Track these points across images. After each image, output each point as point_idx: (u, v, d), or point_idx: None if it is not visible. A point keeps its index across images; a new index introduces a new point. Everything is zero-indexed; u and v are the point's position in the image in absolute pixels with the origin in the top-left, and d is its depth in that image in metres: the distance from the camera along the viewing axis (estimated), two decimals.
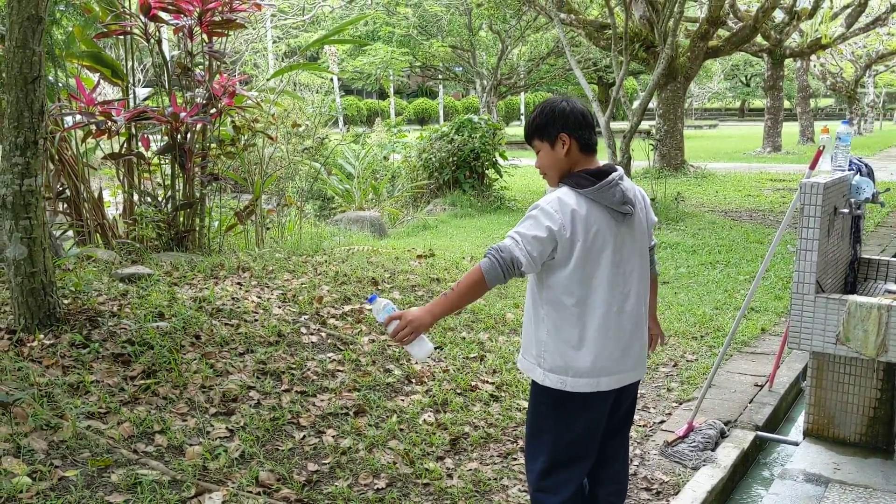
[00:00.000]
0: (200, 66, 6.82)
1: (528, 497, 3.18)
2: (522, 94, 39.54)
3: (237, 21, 6.48)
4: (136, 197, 6.63)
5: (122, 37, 6.61)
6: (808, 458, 3.59)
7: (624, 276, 2.49)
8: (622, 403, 2.64)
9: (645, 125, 22.68)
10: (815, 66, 29.67)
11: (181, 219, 6.58)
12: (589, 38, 15.68)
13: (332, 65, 12.97)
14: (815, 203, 3.27)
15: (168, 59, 6.75)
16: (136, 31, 6.42)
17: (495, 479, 3.37)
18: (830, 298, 3.26)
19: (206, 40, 6.55)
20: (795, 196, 3.41)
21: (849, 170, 3.63)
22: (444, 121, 41.17)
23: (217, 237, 6.98)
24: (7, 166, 3.82)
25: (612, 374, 2.49)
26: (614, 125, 12.26)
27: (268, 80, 7.42)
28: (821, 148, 3.53)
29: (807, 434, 3.79)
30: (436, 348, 4.74)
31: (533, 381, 2.61)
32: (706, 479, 3.35)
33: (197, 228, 6.69)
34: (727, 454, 3.59)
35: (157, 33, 6.54)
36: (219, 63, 6.72)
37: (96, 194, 6.50)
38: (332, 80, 22.10)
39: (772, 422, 4.11)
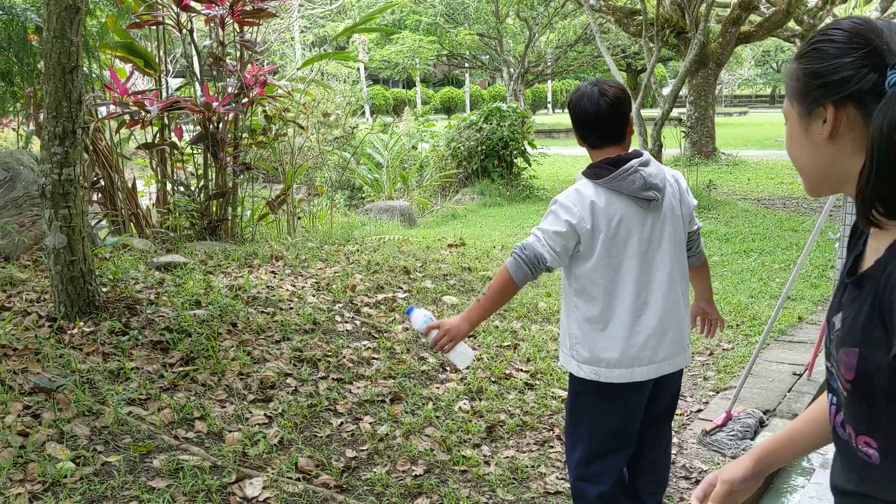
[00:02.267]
0: (231, 56, 6.85)
1: (567, 485, 3.18)
2: (549, 81, 39.34)
3: (268, 10, 6.50)
4: (168, 187, 6.69)
5: (153, 27, 6.65)
6: None
7: (654, 264, 2.46)
8: (662, 393, 2.61)
9: (675, 112, 22.46)
10: None
11: (214, 208, 6.63)
12: (618, 24, 15.53)
13: (362, 53, 12.98)
14: None
15: (199, 49, 6.79)
16: (168, 21, 6.47)
17: (532, 466, 3.37)
18: None
19: (238, 30, 6.58)
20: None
21: None
22: (471, 109, 41.11)
23: (249, 227, 7.03)
24: (46, 156, 3.87)
25: (645, 364, 2.47)
26: (645, 112, 12.15)
27: (298, 69, 7.43)
28: None
29: None
30: (469, 336, 4.73)
31: (570, 374, 2.60)
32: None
33: (229, 218, 6.73)
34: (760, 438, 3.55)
35: (189, 23, 6.58)
36: (250, 53, 6.75)
37: (130, 184, 6.56)
38: (358, 69, 22.13)
39: None
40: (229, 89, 6.50)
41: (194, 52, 6.66)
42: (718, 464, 3.46)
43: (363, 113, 15.69)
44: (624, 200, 2.40)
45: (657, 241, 2.45)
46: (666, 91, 11.14)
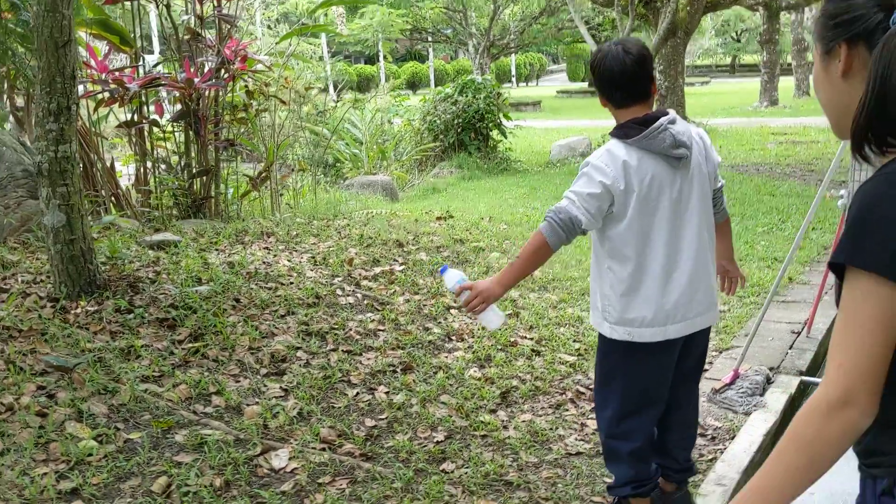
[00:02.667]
0: (208, 31, 6.72)
1: (588, 445, 3.22)
2: (513, 55, 39.25)
3: None
4: (149, 165, 6.57)
5: (128, 3, 6.50)
6: None
7: (685, 222, 2.48)
8: (692, 350, 2.65)
9: None
10: (807, 18, 29.50)
11: (197, 186, 6.54)
12: None
13: (341, 26, 12.81)
14: None
15: (177, 24, 6.65)
16: None
17: (550, 429, 3.40)
18: None
19: (216, 4, 6.45)
20: (840, 147, 3.41)
21: None
22: (435, 85, 40.87)
23: (234, 204, 6.94)
24: (41, 133, 3.78)
25: (678, 321, 2.49)
26: None
27: (277, 42, 7.33)
28: None
29: None
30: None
31: (600, 334, 2.62)
32: (760, 423, 3.39)
33: (213, 196, 6.65)
34: (776, 399, 3.63)
35: None
36: (229, 27, 6.63)
37: (108, 164, 6.44)
38: (321, 46, 21.83)
39: (812, 367, 4.15)
40: (210, 65, 6.39)
41: (172, 28, 6.51)
42: (731, 420, 3.53)
43: (327, 89, 15.54)
44: (654, 159, 2.41)
45: (686, 199, 2.47)
46: None
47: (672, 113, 2.49)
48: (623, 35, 10.75)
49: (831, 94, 1.40)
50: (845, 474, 3.06)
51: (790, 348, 4.31)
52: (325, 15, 16.60)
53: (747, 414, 3.51)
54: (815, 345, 4.30)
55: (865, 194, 1.27)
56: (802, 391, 3.91)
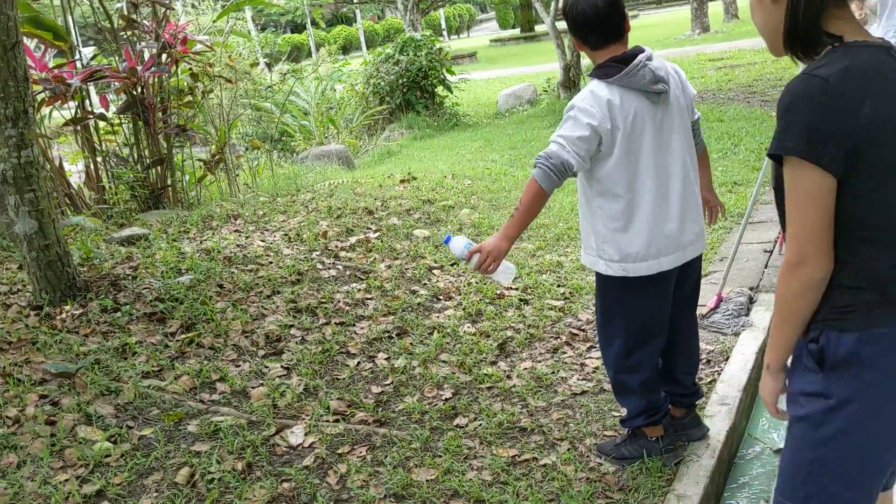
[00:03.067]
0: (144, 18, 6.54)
1: (591, 384, 3.31)
2: (441, 9, 38.86)
3: None
4: (100, 161, 6.42)
5: None
6: None
7: (669, 155, 2.55)
8: (687, 279, 2.73)
9: None
10: None
11: (154, 177, 6.43)
12: None
13: None
14: None
15: (110, 13, 6.46)
16: None
17: (552, 373, 3.49)
18: None
19: None
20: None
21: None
22: (367, 46, 40.32)
23: (192, 190, 6.84)
24: (1, 140, 3.68)
25: (671, 252, 2.57)
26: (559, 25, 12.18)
27: (214, 21, 7.18)
28: (864, 13, 3.50)
29: None
30: (451, 265, 4.79)
31: (596, 273, 2.68)
32: (751, 341, 3.52)
33: (170, 184, 6.54)
34: (761, 317, 3.76)
35: None
36: (164, 10, 6.47)
37: (56, 164, 6.28)
38: (246, 20, 21.29)
39: None
40: (150, 51, 6.25)
41: (106, 17, 6.33)
42: (723, 342, 3.65)
43: (265, 64, 15.23)
44: (636, 96, 2.46)
45: (668, 133, 2.53)
46: (553, 6, 11.17)
47: (648, 49, 2.53)
48: None
49: (765, 18, 1.64)
50: None
51: (765, 267, 4.45)
52: None
53: (736, 335, 3.63)
54: None
55: (789, 92, 1.53)
56: None
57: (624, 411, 2.86)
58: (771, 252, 4.63)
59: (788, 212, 1.56)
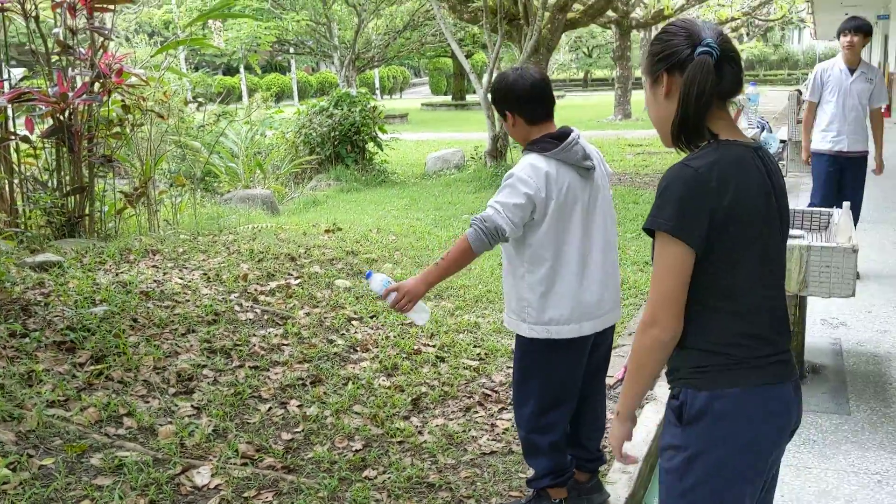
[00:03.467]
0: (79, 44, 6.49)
1: (499, 444, 3.39)
2: (376, 69, 39.45)
3: None
4: (16, 183, 6.26)
5: None
6: None
7: (593, 225, 2.71)
8: (600, 345, 2.87)
9: None
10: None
11: (72, 205, 6.29)
12: (452, 10, 15.89)
13: (217, 39, 12.54)
14: None
15: (47, 36, 6.38)
16: (9, 6, 6.04)
17: (464, 431, 3.55)
18: None
19: (89, 16, 6.24)
20: None
21: (757, 127, 4.01)
22: (299, 96, 40.46)
23: (111, 221, 6.72)
24: None
25: (591, 318, 2.72)
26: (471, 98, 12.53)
27: (152, 56, 7.15)
28: (740, 108, 3.90)
29: None
30: (371, 317, 4.84)
31: (518, 335, 2.79)
32: (652, 413, 3.67)
33: (88, 213, 6.41)
34: (664, 391, 3.92)
35: (35, 10, 6.17)
36: (102, 39, 6.43)
37: None
38: (179, 58, 21.21)
39: None
40: (84, 78, 6.18)
41: (41, 41, 6.24)
42: None
43: (199, 102, 15.10)
44: (569, 170, 2.63)
45: (594, 206, 2.70)
46: (484, 79, 11.55)
47: (576, 130, 2.71)
48: (493, 50, 11.13)
49: (658, 111, 1.86)
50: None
51: None
52: (203, 27, 16.23)
53: (640, 406, 3.78)
54: None
55: (666, 177, 1.76)
56: None
57: (531, 472, 2.94)
58: None
59: (652, 278, 1.79)
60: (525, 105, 2.67)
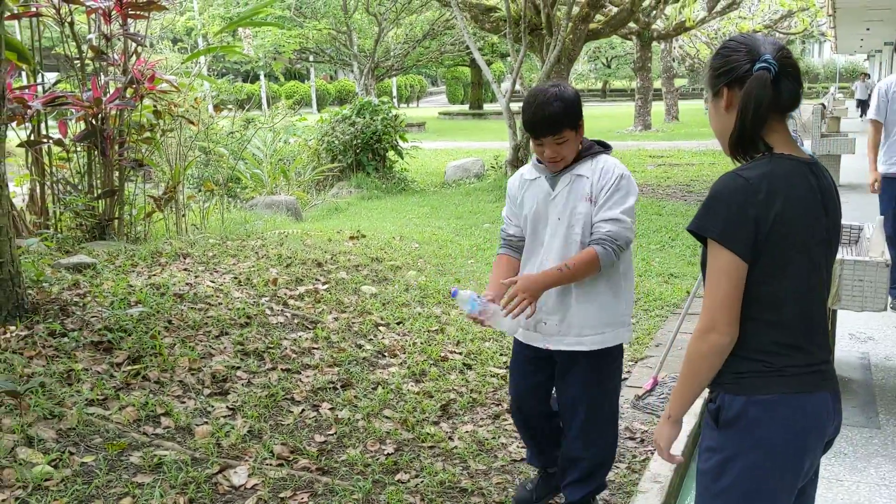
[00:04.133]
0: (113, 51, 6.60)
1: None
2: (394, 78, 39.66)
3: (158, 2, 6.31)
4: (48, 186, 6.36)
5: (25, 18, 6.30)
6: None
7: None
8: None
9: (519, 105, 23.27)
10: (675, 48, 31.34)
11: (102, 208, 6.39)
12: (475, 20, 15.97)
13: (247, 47, 12.70)
14: None
15: (82, 42, 6.49)
16: (46, 13, 6.16)
17: (493, 438, 3.58)
18: None
19: (122, 22, 6.34)
20: None
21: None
22: (318, 104, 40.72)
23: (140, 225, 6.80)
24: None
25: None
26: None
27: (182, 62, 7.24)
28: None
29: None
30: (397, 323, 4.89)
31: (611, 347, 2.76)
32: (682, 424, 3.67)
33: (118, 216, 6.50)
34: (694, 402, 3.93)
35: (70, 16, 6.28)
36: (136, 46, 6.53)
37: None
38: (199, 63, 21.37)
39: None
40: (117, 84, 6.28)
41: (77, 46, 6.36)
42: (656, 423, 3.80)
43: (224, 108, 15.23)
44: None
45: None
46: (505, 86, 11.62)
47: None
48: (516, 60, 11.20)
49: (719, 124, 1.90)
50: None
51: None
52: (233, 35, 16.40)
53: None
54: None
55: (718, 184, 1.81)
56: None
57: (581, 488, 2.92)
58: None
59: (706, 284, 1.82)
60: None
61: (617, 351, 2.81)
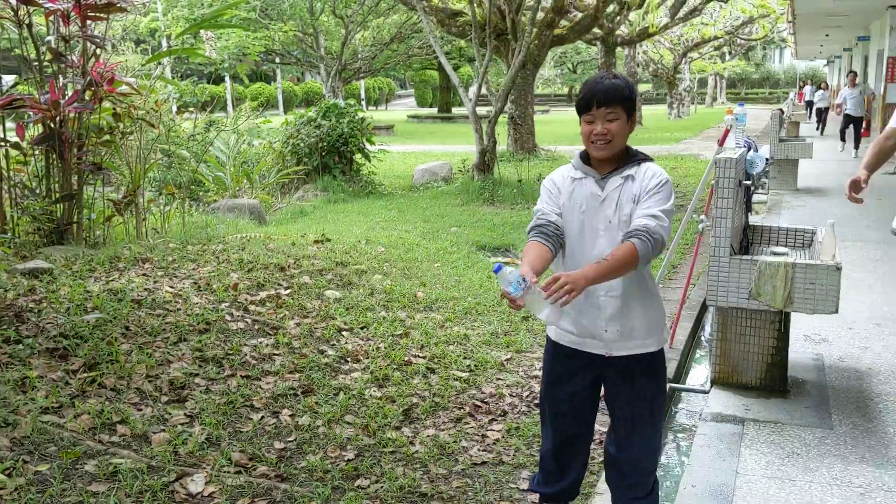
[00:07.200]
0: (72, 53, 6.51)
1: (490, 455, 3.43)
2: (362, 80, 39.58)
3: (118, 5, 6.24)
4: (4, 191, 6.26)
5: None
6: (720, 402, 4.06)
7: None
8: None
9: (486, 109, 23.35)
10: (639, 53, 31.66)
11: (61, 212, 6.30)
12: (441, 24, 16.02)
13: (210, 49, 12.57)
14: (729, 176, 3.70)
15: (39, 44, 6.40)
16: (4, 14, 6.06)
17: (454, 442, 3.59)
18: (743, 259, 3.72)
19: (81, 24, 6.26)
20: (707, 169, 3.84)
21: (744, 147, 4.11)
22: (284, 106, 40.49)
23: (99, 229, 6.72)
24: None
25: None
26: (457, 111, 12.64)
27: (142, 64, 7.16)
28: (728, 127, 3.98)
29: (714, 382, 4.28)
30: (361, 328, 4.88)
31: (656, 352, 2.64)
32: None
33: (76, 221, 6.42)
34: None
35: (28, 17, 6.19)
36: (96, 48, 6.45)
37: None
38: (164, 66, 21.10)
39: (677, 376, 4.57)
40: (76, 86, 6.20)
41: (34, 48, 6.26)
42: None
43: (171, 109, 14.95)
44: None
45: None
46: (472, 91, 11.65)
47: None
48: (482, 64, 11.24)
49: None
50: (722, 469, 3.45)
51: None
52: (195, 37, 16.23)
53: None
54: (677, 354, 4.73)
55: None
56: (671, 398, 4.32)
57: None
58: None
59: None
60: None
61: (661, 354, 2.69)
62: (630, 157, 2.58)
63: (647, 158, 2.60)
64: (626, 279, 2.53)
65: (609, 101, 2.48)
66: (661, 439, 2.77)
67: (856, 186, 3.34)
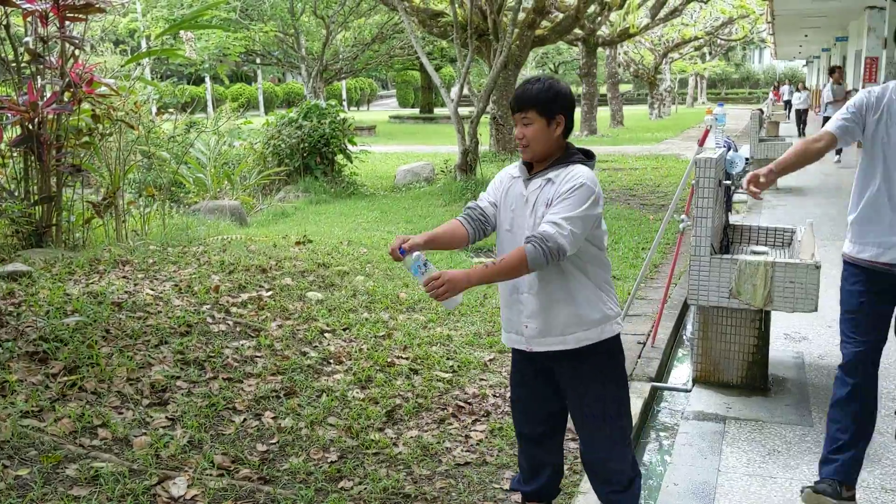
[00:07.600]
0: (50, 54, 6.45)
1: (474, 455, 3.43)
2: (344, 80, 39.49)
3: (97, 5, 6.19)
4: None
5: None
6: (702, 401, 4.10)
7: None
8: None
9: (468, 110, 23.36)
10: (620, 54, 31.81)
11: (39, 214, 6.24)
12: (423, 25, 16.02)
13: (190, 50, 12.50)
14: (709, 175, 3.73)
15: (17, 44, 6.34)
16: None
17: (438, 443, 3.59)
18: (724, 258, 3.74)
19: (59, 25, 6.21)
20: (687, 169, 3.86)
21: (724, 147, 4.14)
22: (265, 106, 40.34)
23: (78, 231, 6.66)
24: None
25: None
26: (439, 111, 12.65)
27: (122, 65, 7.12)
28: (708, 127, 4.01)
29: (696, 381, 4.31)
30: (343, 329, 4.87)
31: (604, 340, 2.64)
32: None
33: (56, 223, 6.36)
34: (633, 404, 4.00)
35: (6, 18, 6.13)
36: (74, 49, 6.40)
37: None
38: (143, 66, 20.99)
39: (659, 374, 4.60)
40: (55, 87, 6.15)
41: (12, 49, 6.20)
42: None
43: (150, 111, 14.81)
44: None
45: None
46: (454, 91, 11.67)
47: None
48: (463, 65, 11.24)
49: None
50: (703, 467, 3.47)
51: (639, 357, 4.74)
52: (175, 37, 16.14)
53: None
54: (659, 353, 4.76)
55: None
56: (653, 396, 4.34)
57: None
58: (644, 344, 4.94)
59: None
60: (572, 113, 2.63)
61: (614, 342, 2.70)
62: (564, 158, 2.59)
63: (583, 160, 2.58)
64: (545, 277, 2.58)
65: (522, 106, 2.55)
66: (629, 436, 2.76)
67: (755, 180, 3.10)
